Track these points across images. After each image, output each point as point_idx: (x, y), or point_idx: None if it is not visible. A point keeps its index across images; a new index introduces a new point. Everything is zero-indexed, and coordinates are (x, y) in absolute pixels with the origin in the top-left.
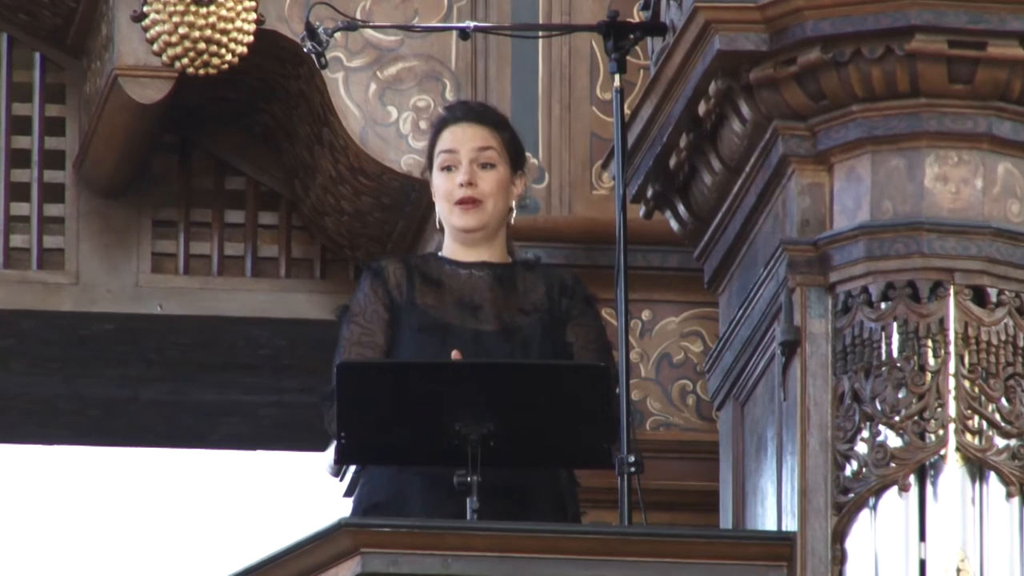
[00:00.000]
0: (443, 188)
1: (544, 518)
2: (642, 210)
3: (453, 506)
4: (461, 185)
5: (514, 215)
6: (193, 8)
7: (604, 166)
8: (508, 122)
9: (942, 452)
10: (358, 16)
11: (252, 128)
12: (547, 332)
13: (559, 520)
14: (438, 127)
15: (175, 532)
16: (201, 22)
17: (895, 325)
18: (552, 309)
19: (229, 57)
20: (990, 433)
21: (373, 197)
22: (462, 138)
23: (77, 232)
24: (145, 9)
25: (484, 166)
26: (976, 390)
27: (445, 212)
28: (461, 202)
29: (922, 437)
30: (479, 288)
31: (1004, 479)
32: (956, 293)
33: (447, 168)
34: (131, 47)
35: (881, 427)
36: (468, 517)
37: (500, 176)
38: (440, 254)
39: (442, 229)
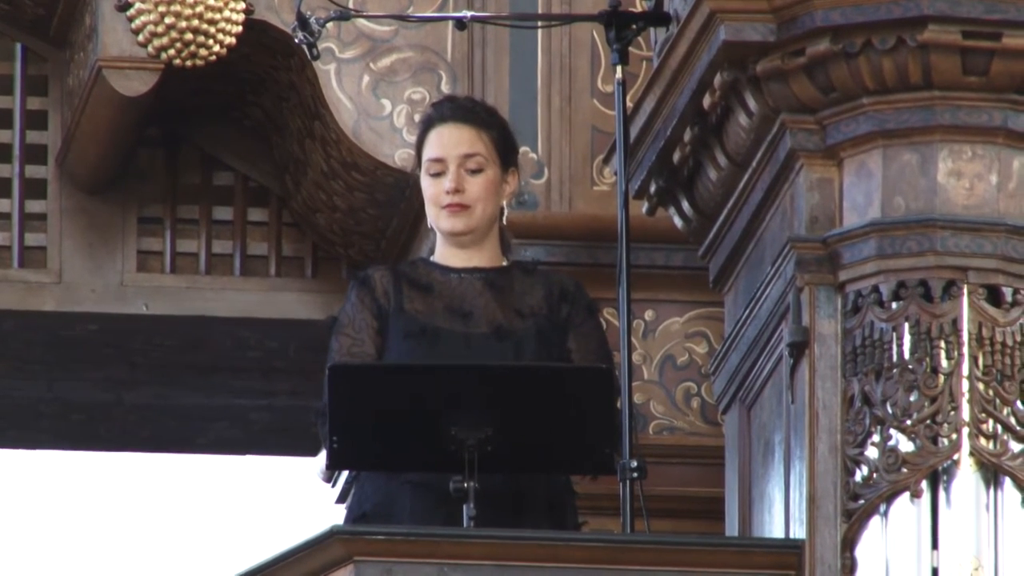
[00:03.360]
0: (431, 192)
1: (539, 528)
2: (645, 206)
3: (443, 513)
4: (448, 192)
5: (506, 214)
6: None
7: (606, 161)
8: (498, 117)
9: (955, 457)
10: (351, 5)
11: (241, 122)
12: (543, 337)
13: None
14: (425, 127)
15: (162, 540)
16: (188, 12)
17: (907, 325)
18: (551, 315)
19: (217, 48)
20: (1005, 437)
21: (366, 193)
22: (449, 143)
23: (60, 229)
24: None
25: (472, 171)
26: (991, 393)
27: (433, 216)
28: (448, 207)
29: (935, 441)
30: (469, 294)
31: (1019, 485)
32: (970, 292)
33: (435, 174)
34: (115, 38)
35: (892, 431)
36: (465, 524)
37: (488, 179)
38: (431, 259)
39: (434, 231)
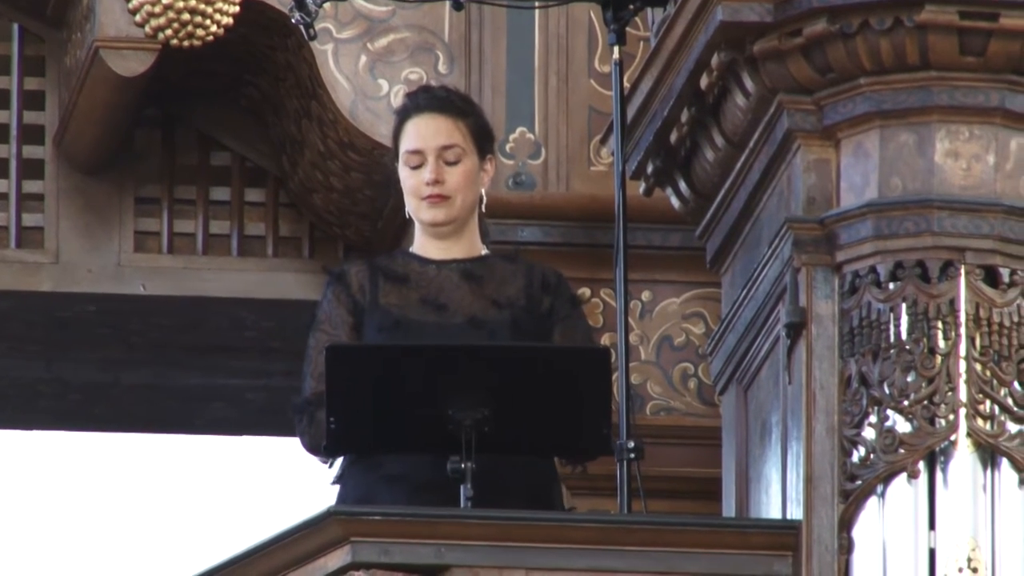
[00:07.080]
0: (410, 184)
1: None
2: (642, 187)
3: (421, 503)
4: (428, 183)
5: (484, 203)
6: None
7: (603, 141)
8: (473, 105)
9: (952, 438)
10: None
11: (238, 102)
12: (517, 327)
13: None
14: (401, 118)
15: (159, 520)
16: None
17: (904, 306)
18: (529, 305)
19: (214, 28)
20: (1002, 418)
21: (363, 173)
22: (426, 134)
23: (57, 209)
24: None
25: (450, 162)
26: (988, 373)
27: (413, 207)
28: (429, 198)
29: (932, 422)
30: (446, 287)
31: (1016, 465)
32: (967, 273)
33: (414, 166)
34: (113, 18)
35: (889, 412)
36: (462, 505)
37: (467, 169)
38: (410, 250)
39: (412, 221)
